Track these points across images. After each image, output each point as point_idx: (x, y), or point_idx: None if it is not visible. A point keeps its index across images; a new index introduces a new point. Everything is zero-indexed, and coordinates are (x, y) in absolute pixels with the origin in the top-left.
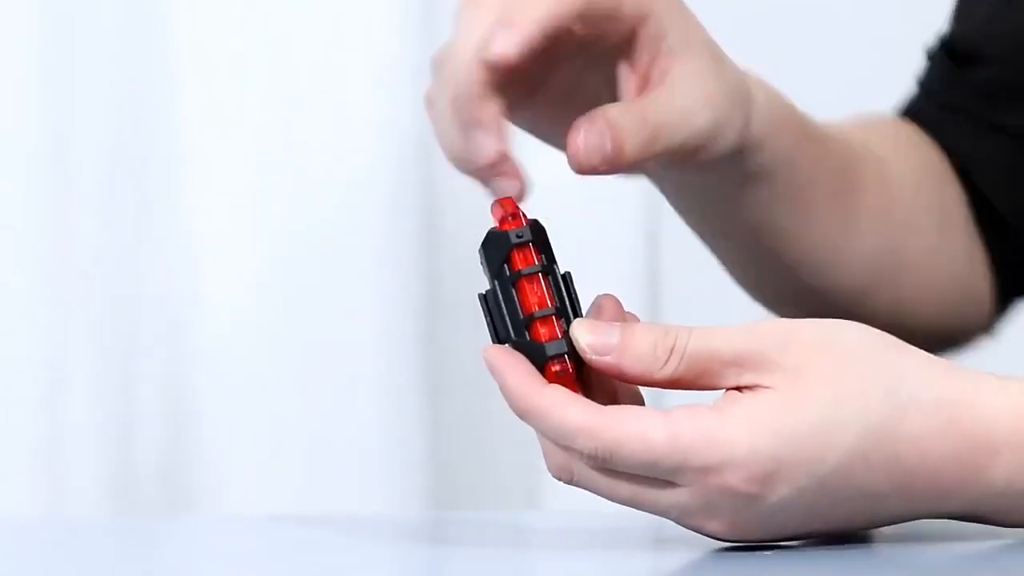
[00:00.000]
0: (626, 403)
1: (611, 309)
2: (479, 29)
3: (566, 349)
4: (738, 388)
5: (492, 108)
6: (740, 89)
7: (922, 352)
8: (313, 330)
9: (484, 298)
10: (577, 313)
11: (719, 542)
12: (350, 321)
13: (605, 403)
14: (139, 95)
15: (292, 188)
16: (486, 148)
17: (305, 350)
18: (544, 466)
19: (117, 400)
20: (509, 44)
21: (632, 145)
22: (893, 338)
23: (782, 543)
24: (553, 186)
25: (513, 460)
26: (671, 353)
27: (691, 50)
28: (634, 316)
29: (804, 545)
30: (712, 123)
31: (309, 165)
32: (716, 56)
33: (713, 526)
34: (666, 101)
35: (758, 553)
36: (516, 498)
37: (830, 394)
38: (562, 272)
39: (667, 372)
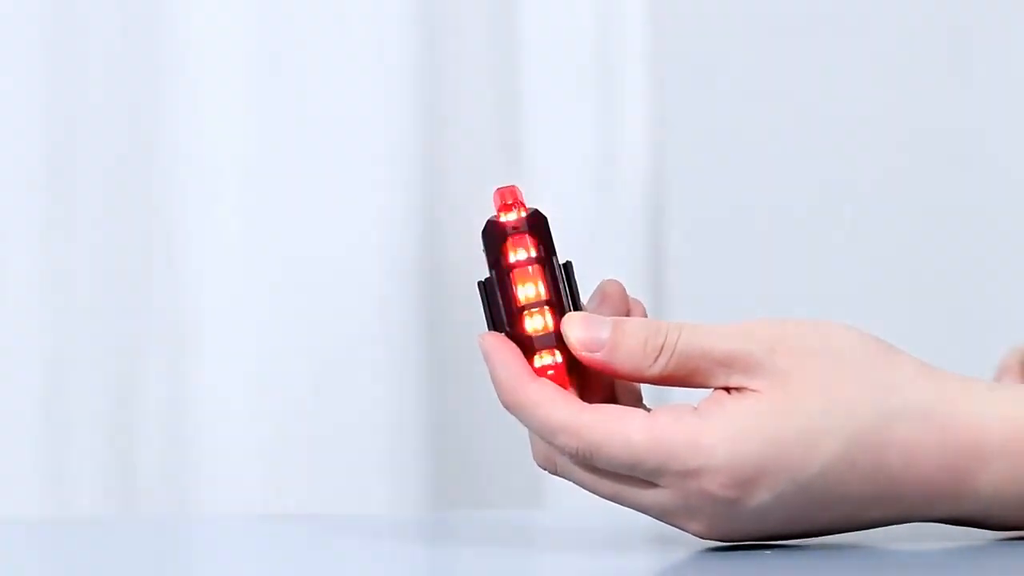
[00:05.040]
0: (623, 395)
1: (615, 295)
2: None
3: (554, 343)
4: (726, 388)
5: None
6: None
7: (914, 359)
8: (314, 330)
9: (483, 286)
10: (576, 304)
11: (721, 541)
12: (351, 320)
13: (600, 395)
14: (141, 101)
15: (293, 189)
16: None
17: (306, 350)
18: None
19: (118, 400)
20: None
21: None
22: (886, 344)
23: (782, 543)
24: (556, 182)
25: (515, 459)
26: (661, 351)
27: None
28: (638, 302)
29: (804, 545)
30: None
31: (310, 167)
32: None
33: (693, 527)
34: None
35: (758, 552)
36: (518, 497)
37: (817, 402)
38: (563, 262)
39: (656, 370)
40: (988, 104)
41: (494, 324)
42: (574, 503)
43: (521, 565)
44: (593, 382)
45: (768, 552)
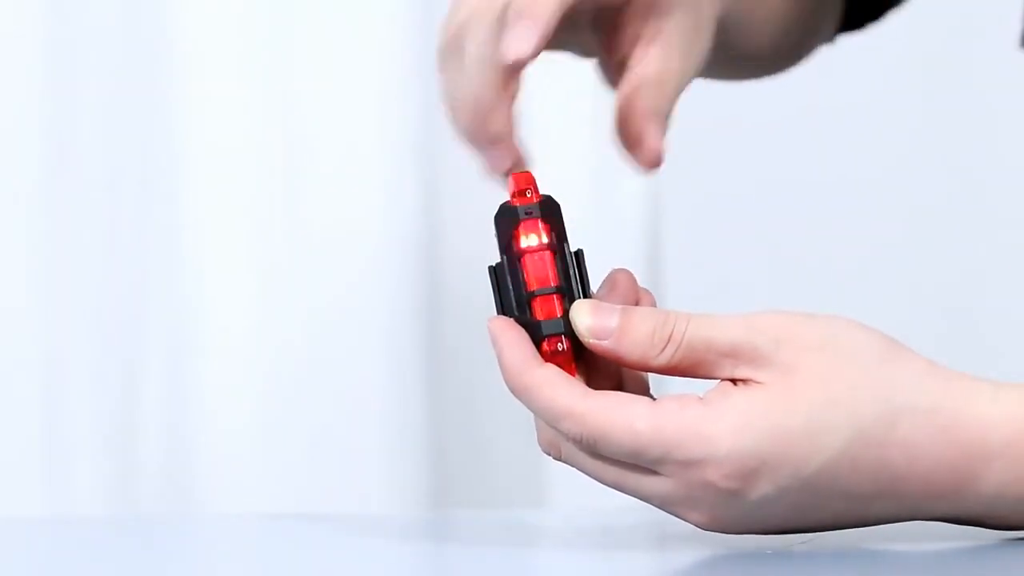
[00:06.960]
0: (630, 385)
1: (625, 284)
2: (487, 16)
3: (563, 329)
4: (732, 380)
5: (507, 119)
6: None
7: (920, 357)
8: (314, 329)
9: (493, 270)
10: (585, 292)
11: (722, 541)
12: (351, 319)
13: (607, 383)
14: (140, 101)
15: (293, 188)
16: (501, 163)
17: (306, 349)
18: (548, 464)
19: (118, 400)
20: (526, 45)
21: (662, 124)
22: (892, 341)
23: (782, 544)
24: (556, 174)
25: (516, 458)
26: (668, 341)
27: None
28: (647, 292)
29: (805, 545)
30: (698, 67)
31: (309, 167)
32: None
33: (694, 517)
34: (666, 69)
35: (759, 552)
36: (519, 496)
37: (821, 396)
38: (574, 250)
39: (663, 359)
40: (990, 105)
41: (503, 309)
42: (574, 502)
43: (521, 565)
44: (600, 370)
45: (768, 552)
